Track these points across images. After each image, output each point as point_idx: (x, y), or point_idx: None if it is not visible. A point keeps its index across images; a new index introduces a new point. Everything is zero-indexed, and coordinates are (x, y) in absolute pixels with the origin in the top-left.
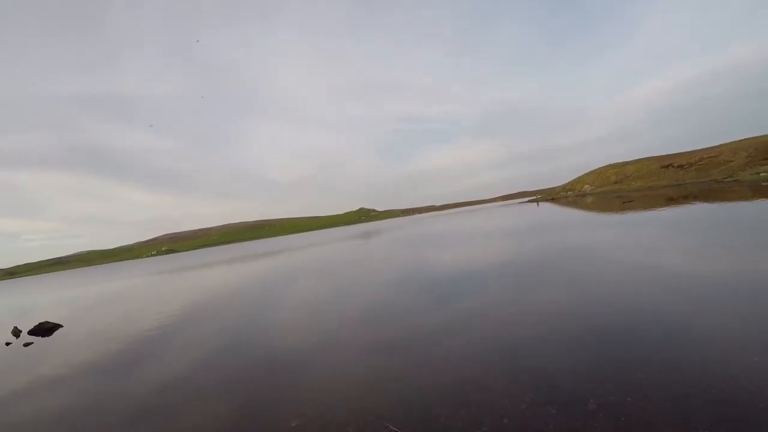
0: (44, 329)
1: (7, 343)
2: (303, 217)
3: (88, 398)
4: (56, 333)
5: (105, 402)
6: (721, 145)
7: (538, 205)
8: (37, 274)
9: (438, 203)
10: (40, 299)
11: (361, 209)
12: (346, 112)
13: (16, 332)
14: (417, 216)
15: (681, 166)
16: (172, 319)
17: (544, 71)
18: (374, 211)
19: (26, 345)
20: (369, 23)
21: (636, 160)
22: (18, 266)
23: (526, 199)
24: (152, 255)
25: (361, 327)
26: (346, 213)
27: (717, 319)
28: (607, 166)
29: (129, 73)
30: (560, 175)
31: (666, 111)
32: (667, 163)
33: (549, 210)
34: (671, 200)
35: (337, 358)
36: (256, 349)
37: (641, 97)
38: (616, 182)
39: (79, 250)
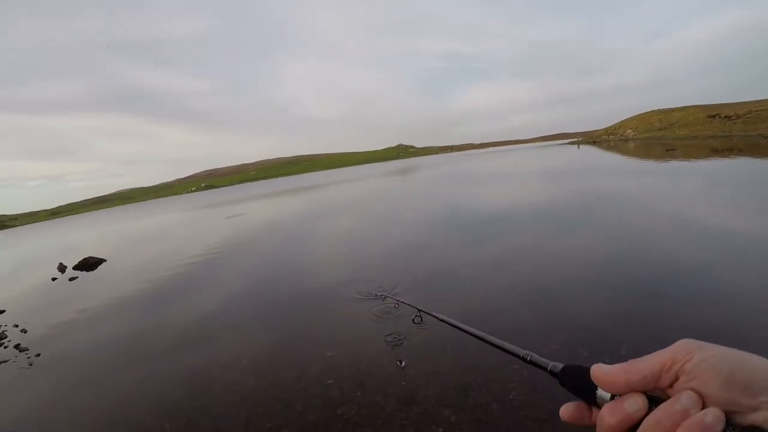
0: (89, 264)
1: (53, 278)
2: (341, 153)
3: (132, 328)
4: (100, 267)
5: (147, 332)
6: None
7: (578, 147)
8: (80, 213)
9: (476, 142)
10: (84, 237)
11: (399, 145)
12: (383, 48)
13: (62, 268)
14: (455, 153)
15: (728, 117)
16: (211, 254)
17: (587, 9)
18: (413, 147)
19: (71, 279)
20: None
21: (682, 107)
22: (61, 206)
23: (566, 141)
24: (192, 191)
25: (392, 264)
26: (384, 149)
27: (750, 276)
28: (651, 111)
29: (161, 14)
30: (602, 118)
31: (714, 59)
32: (714, 113)
33: (589, 153)
34: (715, 151)
35: (368, 295)
36: (292, 283)
37: (689, 42)
38: (660, 129)
39: (121, 189)
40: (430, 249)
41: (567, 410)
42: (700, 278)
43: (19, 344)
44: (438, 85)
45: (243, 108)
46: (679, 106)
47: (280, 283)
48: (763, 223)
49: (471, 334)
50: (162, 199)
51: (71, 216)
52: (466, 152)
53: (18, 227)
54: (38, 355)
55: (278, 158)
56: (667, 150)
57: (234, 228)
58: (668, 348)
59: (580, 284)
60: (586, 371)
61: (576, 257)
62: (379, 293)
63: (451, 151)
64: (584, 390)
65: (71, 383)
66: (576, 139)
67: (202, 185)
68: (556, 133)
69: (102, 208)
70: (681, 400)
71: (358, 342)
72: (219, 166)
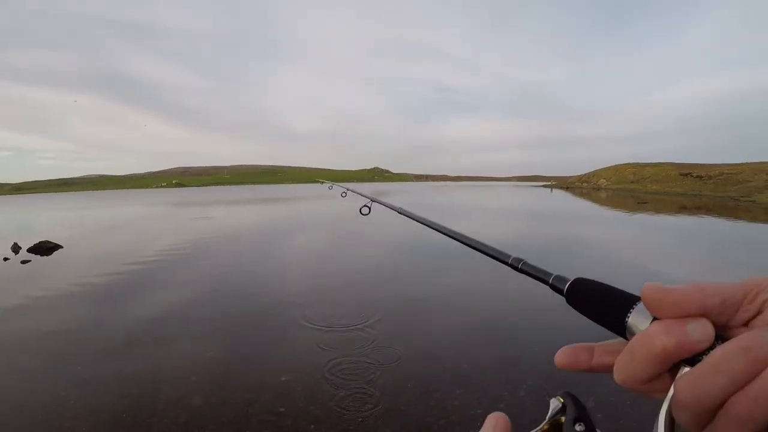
0: (44, 249)
1: (5, 259)
2: (317, 168)
3: (78, 321)
4: (56, 253)
5: (94, 327)
6: (744, 163)
7: (551, 191)
8: (44, 192)
9: (452, 173)
10: (44, 218)
11: (375, 168)
12: (373, 69)
13: (16, 248)
14: (429, 183)
15: (700, 177)
16: (171, 255)
17: (577, 60)
18: (388, 172)
19: (24, 262)
20: None
21: (656, 163)
22: (25, 182)
23: (540, 183)
24: (162, 186)
25: (351, 286)
26: (360, 170)
27: None
28: (626, 164)
29: (161, 3)
30: (577, 166)
31: (693, 120)
32: (687, 172)
33: (562, 198)
34: (684, 208)
35: (329, 314)
36: (251, 297)
37: (670, 102)
38: (632, 181)
39: (90, 173)
40: (384, 273)
41: (567, 353)
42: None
43: None
44: (422, 113)
45: (225, 109)
46: (653, 162)
47: (239, 295)
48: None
49: (442, 232)
50: (130, 190)
51: (35, 194)
52: (440, 183)
53: None
54: None
55: (254, 165)
56: (638, 202)
57: (199, 231)
58: (737, 282)
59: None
60: (613, 290)
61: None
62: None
63: (426, 180)
64: (606, 311)
65: (1, 373)
66: (550, 183)
67: (173, 182)
68: (531, 174)
69: (68, 191)
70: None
71: (314, 369)
72: (193, 165)
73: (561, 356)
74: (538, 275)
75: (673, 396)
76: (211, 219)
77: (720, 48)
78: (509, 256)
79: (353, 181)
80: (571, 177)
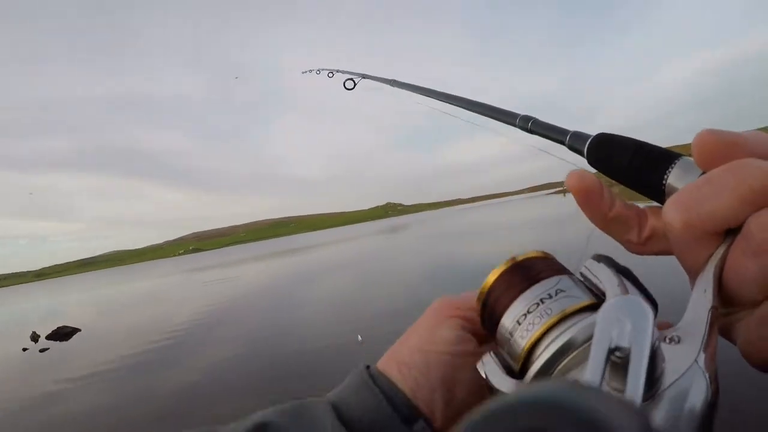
0: (62, 334)
1: (24, 349)
2: (330, 213)
3: (99, 406)
4: (74, 337)
5: (116, 411)
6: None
7: (564, 196)
8: (66, 275)
9: (465, 196)
10: (64, 302)
11: (387, 204)
12: (369, 106)
13: (35, 337)
14: (444, 209)
15: None
16: (195, 323)
17: (566, 63)
18: (401, 205)
19: (42, 351)
20: (392, 18)
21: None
22: (46, 268)
23: (553, 190)
24: (180, 254)
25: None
26: (372, 208)
27: None
28: None
29: (153, 76)
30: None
31: (689, 99)
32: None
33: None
34: None
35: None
36: (282, 355)
37: (659, 88)
38: None
39: (108, 251)
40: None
41: (583, 177)
42: None
43: None
44: (425, 140)
45: (232, 169)
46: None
47: (266, 354)
48: None
49: (442, 99)
50: (149, 262)
51: (57, 278)
52: (456, 207)
53: (4, 287)
54: None
55: (268, 219)
56: None
57: (219, 295)
58: None
59: None
60: (646, 145)
61: None
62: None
63: (440, 207)
64: (639, 169)
65: None
66: (563, 188)
67: (190, 248)
68: (543, 183)
69: (88, 271)
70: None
71: None
72: (208, 228)
73: (574, 179)
74: (552, 134)
75: (742, 243)
76: (228, 280)
77: (688, 28)
78: (516, 116)
79: (366, 221)
80: None
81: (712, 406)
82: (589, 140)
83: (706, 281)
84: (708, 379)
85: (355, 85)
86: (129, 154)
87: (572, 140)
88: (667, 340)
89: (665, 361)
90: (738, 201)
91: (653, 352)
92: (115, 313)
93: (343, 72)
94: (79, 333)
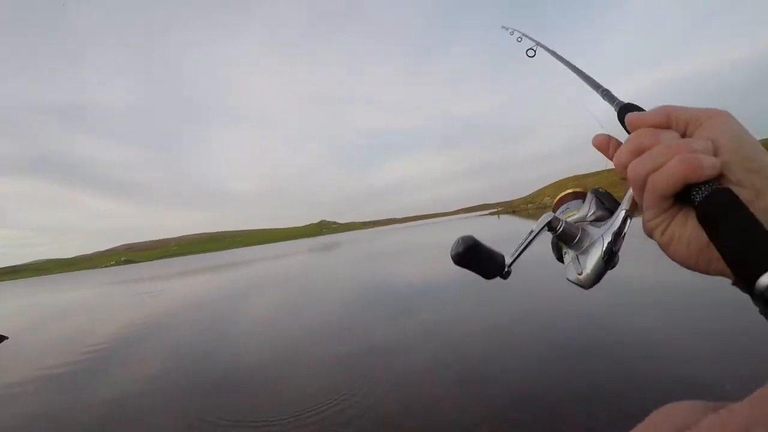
0: None
1: None
2: (263, 229)
3: (20, 415)
4: (1, 345)
5: (37, 419)
6: None
7: (498, 217)
8: None
9: (399, 216)
10: None
11: (322, 221)
12: (307, 124)
13: None
14: (378, 229)
15: None
16: (125, 334)
17: (507, 84)
18: (335, 223)
19: None
20: (333, 34)
21: (596, 171)
22: None
23: (488, 211)
24: (110, 265)
25: (319, 343)
26: (306, 225)
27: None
28: (567, 178)
29: (86, 79)
30: (521, 188)
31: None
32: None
33: (509, 223)
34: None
35: (295, 376)
36: (211, 366)
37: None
38: None
39: (37, 259)
40: (350, 325)
41: (596, 137)
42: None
43: None
44: (362, 159)
45: (166, 181)
46: (592, 171)
47: (197, 364)
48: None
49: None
50: (79, 272)
51: None
52: (390, 227)
53: None
54: None
55: (200, 233)
56: None
57: (150, 307)
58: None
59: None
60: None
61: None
62: None
63: (373, 227)
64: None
65: None
66: (496, 210)
67: (122, 259)
68: (477, 204)
69: (15, 279)
70: (695, 140)
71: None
72: (139, 240)
73: (594, 138)
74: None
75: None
76: (160, 293)
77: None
78: (599, 86)
79: (300, 238)
80: (516, 200)
81: (606, 262)
82: (624, 104)
83: (628, 196)
84: (606, 245)
85: (534, 53)
86: (61, 162)
87: (617, 106)
88: (598, 225)
89: (590, 233)
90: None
91: (585, 228)
92: (44, 323)
93: (531, 39)
94: (6, 341)
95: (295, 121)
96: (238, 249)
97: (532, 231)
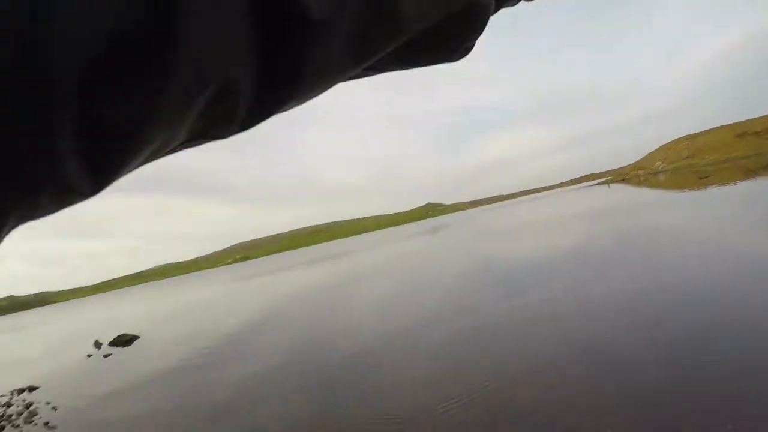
0: (123, 341)
1: (89, 355)
2: (371, 216)
3: (160, 407)
4: (135, 344)
5: (175, 412)
6: None
7: (608, 187)
8: (119, 288)
9: (505, 192)
10: (120, 313)
11: (428, 204)
12: (401, 107)
13: (98, 344)
14: (485, 207)
15: (757, 134)
16: (249, 326)
17: (598, 47)
18: (441, 205)
19: (106, 356)
20: None
21: (707, 130)
22: (101, 283)
23: (596, 181)
24: (228, 263)
25: (437, 325)
26: (413, 209)
27: None
28: (677, 139)
29: None
30: (629, 153)
31: (732, 73)
32: (742, 132)
33: (622, 192)
34: (750, 172)
35: (412, 359)
36: (333, 355)
37: (699, 63)
38: (688, 157)
39: (157, 264)
40: (469, 306)
41: None
42: None
43: (48, 422)
44: (460, 139)
45: (271, 180)
46: (704, 129)
47: (319, 354)
48: None
49: None
50: (198, 272)
51: (111, 291)
52: (497, 204)
53: (60, 303)
54: None
55: (309, 226)
56: (700, 178)
57: (270, 300)
58: None
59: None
60: None
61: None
62: None
63: (480, 205)
64: None
65: None
66: (606, 179)
67: (237, 257)
68: (584, 174)
69: (140, 283)
70: None
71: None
72: (252, 238)
73: None
74: None
75: None
76: (276, 286)
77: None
78: None
79: (408, 223)
80: (625, 167)
81: None
82: None
83: None
84: None
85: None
86: (167, 175)
87: None
88: None
89: None
90: None
91: None
92: (171, 322)
93: None
94: (138, 340)
95: (389, 105)
96: (350, 238)
97: None
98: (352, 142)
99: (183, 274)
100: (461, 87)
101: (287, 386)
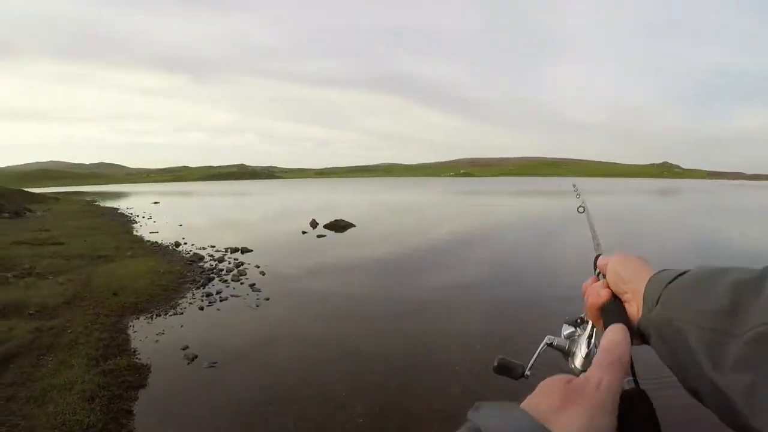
0: (338, 226)
1: (303, 232)
2: (601, 161)
3: (361, 291)
4: (349, 231)
5: (380, 294)
6: None
7: None
8: (342, 177)
9: (749, 171)
10: (340, 200)
11: (664, 163)
12: (648, 55)
13: (314, 224)
14: (725, 182)
15: None
16: (455, 240)
17: None
18: (678, 167)
19: (320, 237)
20: None
21: None
22: (326, 168)
23: None
24: (450, 175)
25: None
26: (647, 164)
27: None
28: None
29: (428, 9)
30: None
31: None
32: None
33: None
34: None
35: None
36: (535, 279)
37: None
38: None
39: (382, 162)
40: None
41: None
42: None
43: (254, 284)
44: (711, 102)
45: (504, 103)
46: None
47: (519, 277)
48: None
49: None
50: (420, 178)
51: (334, 178)
52: (737, 182)
53: (287, 179)
54: (267, 299)
55: (536, 157)
56: None
57: (484, 219)
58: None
59: None
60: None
61: None
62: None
63: (720, 178)
64: None
65: (283, 333)
66: None
67: (461, 171)
68: None
69: (363, 176)
70: (597, 284)
71: None
72: (479, 156)
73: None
74: None
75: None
76: (496, 207)
77: None
78: None
79: (640, 177)
80: None
81: (586, 356)
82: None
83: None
84: (584, 348)
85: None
86: (400, 79)
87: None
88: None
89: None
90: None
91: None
92: (386, 218)
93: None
94: (353, 228)
95: (633, 53)
96: (575, 178)
97: (538, 348)
98: (599, 79)
99: (406, 176)
100: (729, 48)
101: (474, 303)
